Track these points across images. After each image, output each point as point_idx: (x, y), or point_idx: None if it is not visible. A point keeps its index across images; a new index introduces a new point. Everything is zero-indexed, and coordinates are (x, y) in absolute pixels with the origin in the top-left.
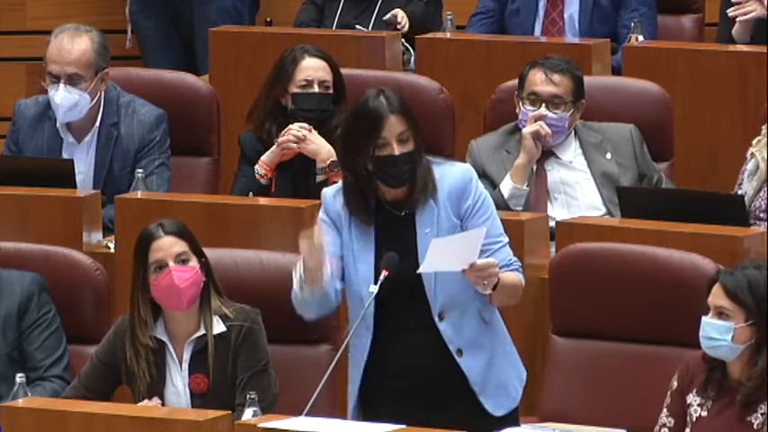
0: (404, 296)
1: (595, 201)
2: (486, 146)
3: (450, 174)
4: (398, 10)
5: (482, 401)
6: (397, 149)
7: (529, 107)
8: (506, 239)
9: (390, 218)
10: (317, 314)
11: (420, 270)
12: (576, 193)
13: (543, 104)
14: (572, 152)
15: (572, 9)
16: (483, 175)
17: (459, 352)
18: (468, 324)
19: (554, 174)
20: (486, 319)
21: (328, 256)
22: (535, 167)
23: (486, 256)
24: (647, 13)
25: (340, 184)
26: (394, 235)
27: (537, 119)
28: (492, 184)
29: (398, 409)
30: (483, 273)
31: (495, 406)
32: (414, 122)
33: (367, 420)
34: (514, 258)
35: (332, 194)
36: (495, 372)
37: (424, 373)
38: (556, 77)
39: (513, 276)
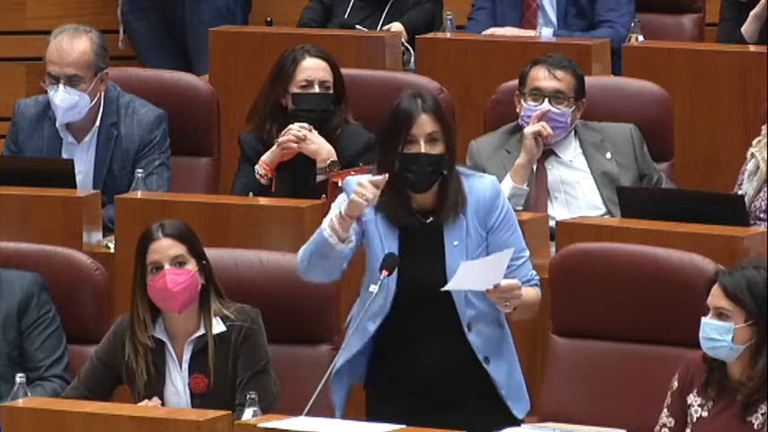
0: (430, 306)
1: (595, 200)
2: (486, 146)
3: (479, 186)
4: (397, 24)
5: (509, 405)
6: (423, 148)
7: (531, 103)
8: (528, 253)
9: (417, 225)
10: (321, 278)
11: (447, 288)
12: (576, 192)
13: (546, 99)
14: (572, 151)
15: (545, 6)
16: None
17: (487, 360)
18: (491, 332)
19: (554, 173)
20: (502, 323)
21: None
22: (535, 167)
23: (510, 272)
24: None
25: (366, 176)
26: (420, 243)
27: (540, 117)
28: None
29: (420, 414)
30: (506, 294)
31: (519, 409)
32: (446, 127)
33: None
34: (534, 272)
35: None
36: (515, 374)
37: (451, 379)
38: (559, 73)
39: (533, 293)
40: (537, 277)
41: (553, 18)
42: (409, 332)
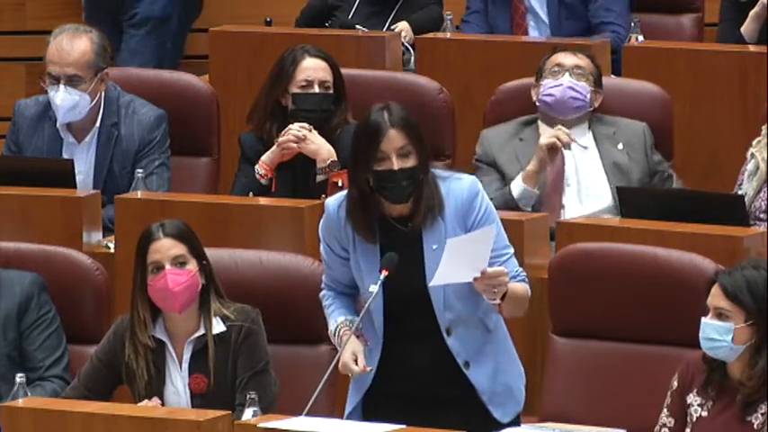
0: (412, 311)
1: (604, 191)
2: (498, 136)
3: (456, 189)
4: (404, 23)
5: (491, 410)
6: (396, 164)
7: (550, 80)
8: (512, 250)
9: (396, 234)
10: None
11: (432, 283)
12: (588, 181)
13: (566, 73)
14: (587, 139)
15: (536, 9)
16: (493, 164)
17: (467, 364)
18: (473, 336)
19: (570, 160)
20: (489, 327)
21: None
22: None
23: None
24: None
25: (342, 194)
26: (400, 251)
27: (557, 133)
28: (501, 175)
29: (404, 415)
30: (493, 281)
31: (504, 413)
32: (418, 138)
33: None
34: (521, 269)
35: (335, 206)
36: (502, 378)
37: (431, 381)
38: (579, 54)
39: (521, 287)
40: (524, 274)
41: (545, 19)
42: (393, 337)
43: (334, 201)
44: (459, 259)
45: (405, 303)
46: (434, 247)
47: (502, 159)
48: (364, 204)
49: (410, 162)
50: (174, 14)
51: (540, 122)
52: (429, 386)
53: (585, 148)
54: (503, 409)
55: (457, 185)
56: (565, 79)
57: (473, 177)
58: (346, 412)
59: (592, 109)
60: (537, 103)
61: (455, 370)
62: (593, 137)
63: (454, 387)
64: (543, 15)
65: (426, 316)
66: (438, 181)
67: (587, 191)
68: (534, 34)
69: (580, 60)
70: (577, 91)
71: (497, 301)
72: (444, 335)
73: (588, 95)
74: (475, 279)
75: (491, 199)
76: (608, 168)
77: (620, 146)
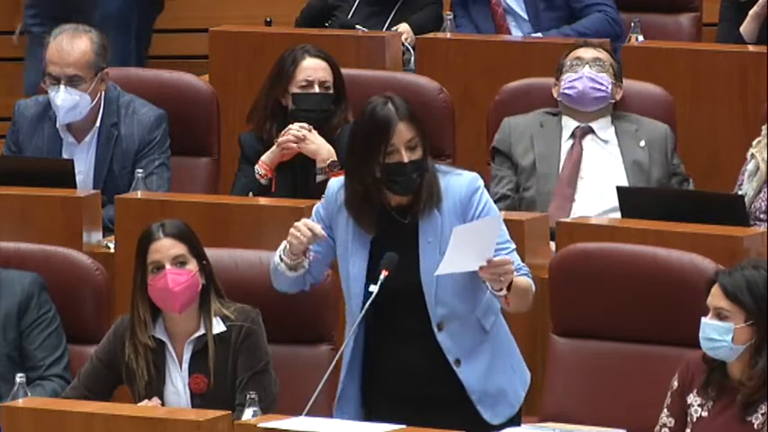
0: (403, 304)
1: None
2: (519, 125)
3: (455, 184)
4: (404, 25)
5: (480, 410)
6: (406, 157)
7: (570, 74)
8: (513, 246)
9: (393, 224)
10: (289, 291)
11: (438, 272)
12: (604, 177)
13: (587, 66)
14: (610, 134)
15: (514, 8)
16: (508, 152)
17: (458, 362)
18: (467, 334)
19: (589, 153)
20: (486, 328)
21: (313, 251)
22: (572, 142)
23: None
24: None
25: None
26: (395, 242)
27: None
28: (515, 168)
29: (396, 414)
30: (499, 270)
31: (493, 415)
32: (421, 129)
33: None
34: (523, 264)
35: (337, 188)
36: (495, 379)
37: (422, 380)
38: (598, 49)
39: (525, 281)
40: (527, 268)
41: (524, 16)
42: (383, 332)
43: (337, 182)
44: (466, 247)
45: (397, 296)
46: (430, 240)
47: (518, 149)
48: (368, 198)
49: (417, 154)
50: (134, 14)
51: (563, 116)
52: (425, 386)
53: (606, 141)
54: (492, 411)
55: (456, 181)
56: (585, 70)
57: (474, 174)
58: (338, 395)
59: (613, 101)
60: (558, 99)
61: (447, 368)
62: (615, 132)
63: (449, 386)
64: (522, 12)
65: (418, 310)
66: (438, 175)
67: (602, 187)
68: (517, 33)
69: (599, 54)
70: (598, 82)
71: (504, 292)
72: (435, 330)
73: (609, 87)
74: (480, 268)
75: (501, 197)
76: (628, 166)
77: (642, 143)
